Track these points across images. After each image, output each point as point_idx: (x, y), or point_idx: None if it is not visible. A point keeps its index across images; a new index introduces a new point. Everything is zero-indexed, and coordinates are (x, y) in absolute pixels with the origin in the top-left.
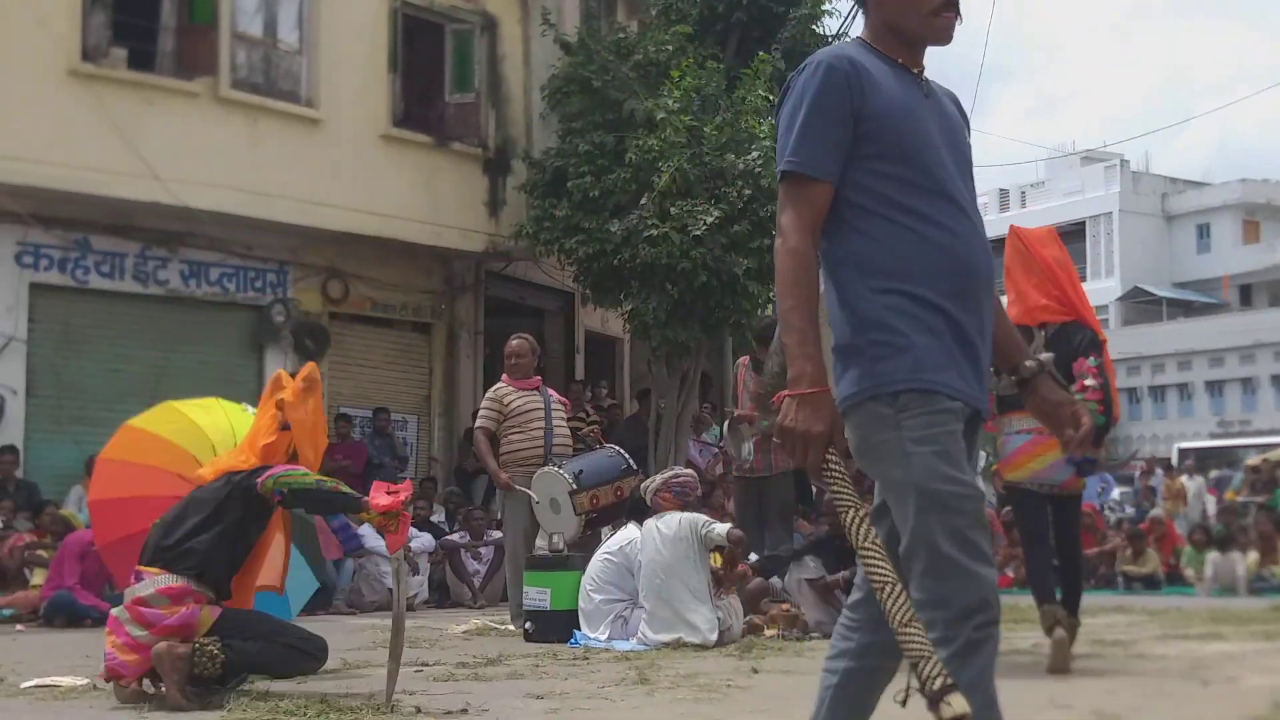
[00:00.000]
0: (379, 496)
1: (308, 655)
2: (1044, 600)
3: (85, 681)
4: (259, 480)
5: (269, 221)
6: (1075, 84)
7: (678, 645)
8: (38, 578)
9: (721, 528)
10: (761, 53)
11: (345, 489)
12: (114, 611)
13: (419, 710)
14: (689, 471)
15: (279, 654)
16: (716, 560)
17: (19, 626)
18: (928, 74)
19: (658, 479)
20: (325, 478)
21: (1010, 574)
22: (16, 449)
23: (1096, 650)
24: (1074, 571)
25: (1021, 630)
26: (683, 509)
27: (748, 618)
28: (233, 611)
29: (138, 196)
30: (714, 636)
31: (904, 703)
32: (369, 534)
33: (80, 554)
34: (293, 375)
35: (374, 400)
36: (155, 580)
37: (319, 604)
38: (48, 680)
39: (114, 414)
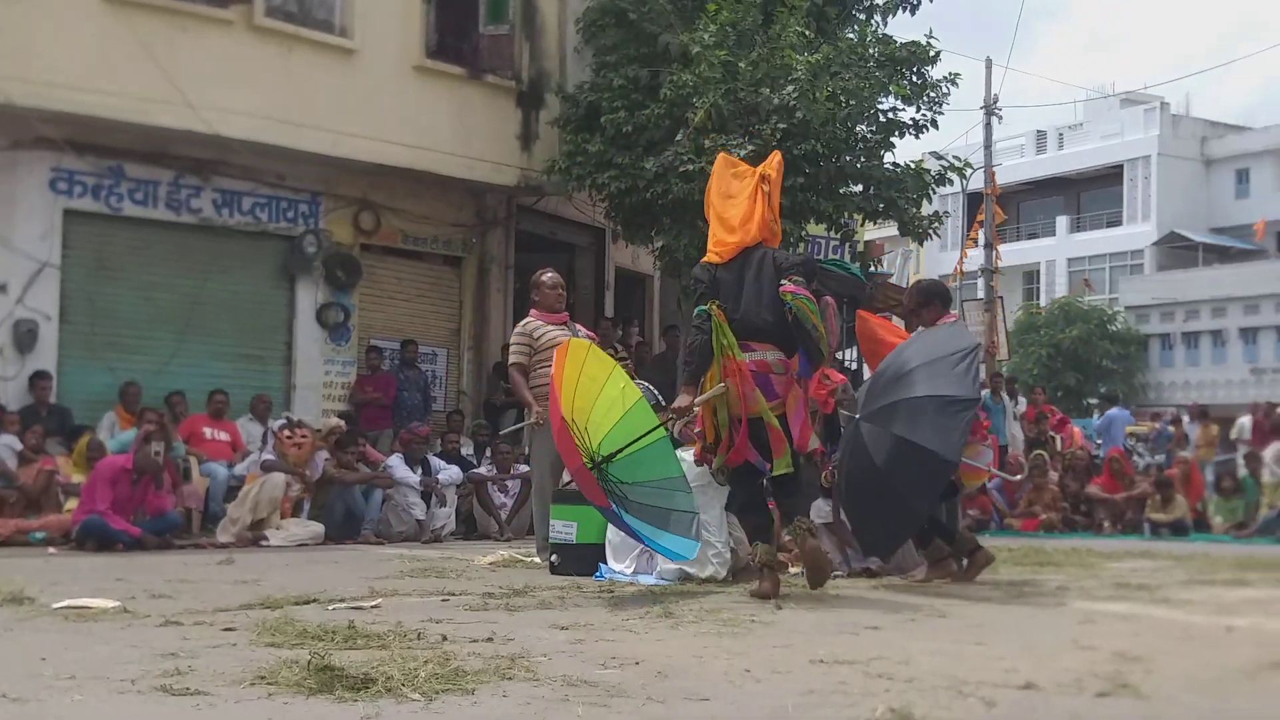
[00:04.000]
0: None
1: None
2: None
3: (115, 604)
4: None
5: (301, 151)
6: (1124, 24)
7: (686, 579)
8: (71, 502)
9: None
10: None
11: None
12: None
13: (445, 638)
14: None
15: None
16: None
17: (51, 549)
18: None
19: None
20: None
21: (1041, 516)
22: (50, 374)
23: (1121, 594)
24: None
25: (1046, 572)
26: None
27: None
28: None
29: (171, 124)
30: (724, 572)
31: None
32: (397, 464)
33: (112, 479)
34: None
35: (404, 333)
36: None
37: (347, 533)
38: (78, 602)
39: (146, 341)
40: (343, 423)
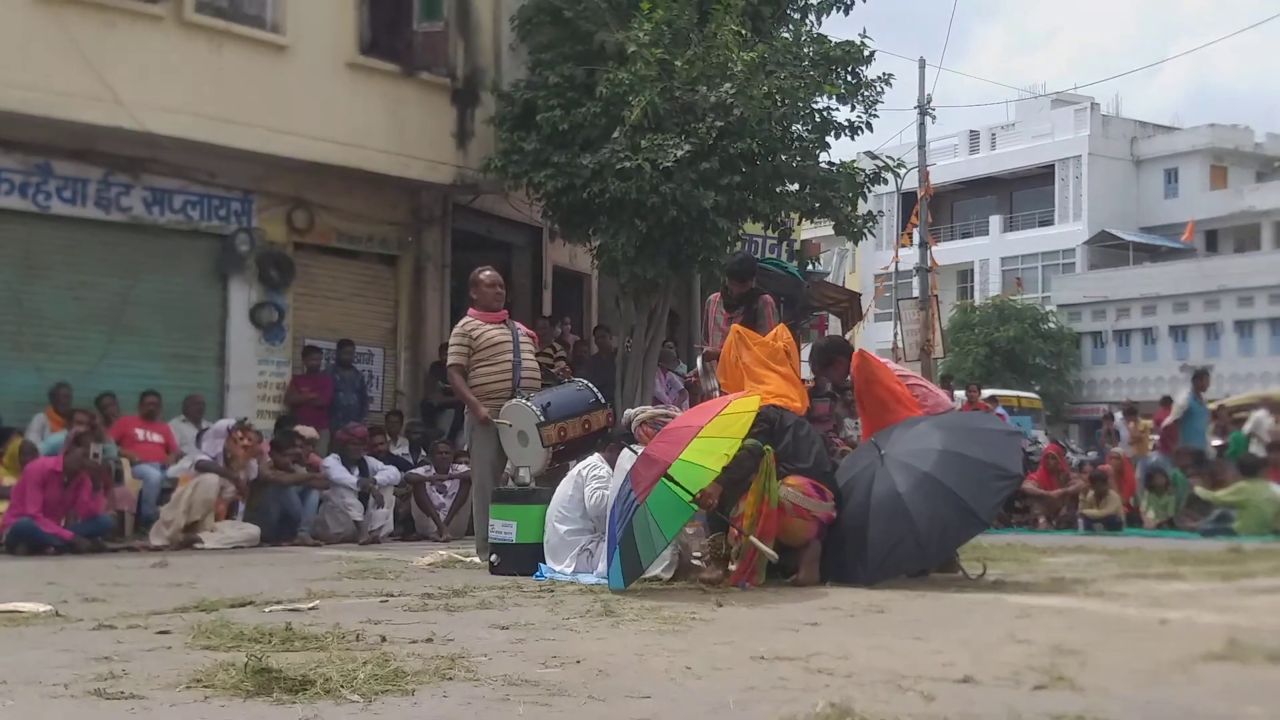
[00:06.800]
0: None
1: None
2: None
3: (47, 608)
4: None
5: (233, 149)
6: (1055, 23)
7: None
8: (0, 505)
9: None
10: None
11: None
12: None
13: (384, 639)
14: (679, 413)
15: None
16: None
17: None
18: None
19: (650, 410)
20: None
21: None
22: None
23: (1057, 588)
24: None
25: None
26: None
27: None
28: None
29: (100, 120)
30: (669, 575)
31: None
32: (334, 465)
33: (42, 482)
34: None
35: (339, 333)
36: None
37: (283, 535)
38: (9, 606)
39: (76, 341)
40: (314, 431)
